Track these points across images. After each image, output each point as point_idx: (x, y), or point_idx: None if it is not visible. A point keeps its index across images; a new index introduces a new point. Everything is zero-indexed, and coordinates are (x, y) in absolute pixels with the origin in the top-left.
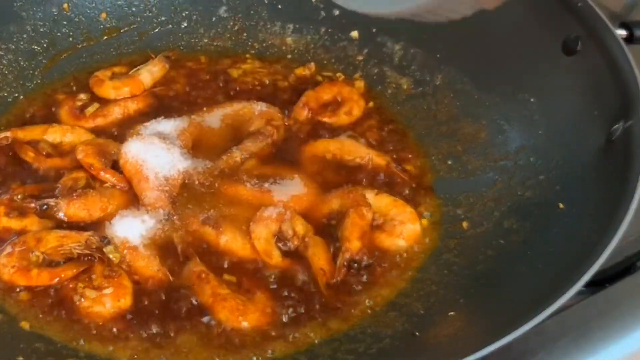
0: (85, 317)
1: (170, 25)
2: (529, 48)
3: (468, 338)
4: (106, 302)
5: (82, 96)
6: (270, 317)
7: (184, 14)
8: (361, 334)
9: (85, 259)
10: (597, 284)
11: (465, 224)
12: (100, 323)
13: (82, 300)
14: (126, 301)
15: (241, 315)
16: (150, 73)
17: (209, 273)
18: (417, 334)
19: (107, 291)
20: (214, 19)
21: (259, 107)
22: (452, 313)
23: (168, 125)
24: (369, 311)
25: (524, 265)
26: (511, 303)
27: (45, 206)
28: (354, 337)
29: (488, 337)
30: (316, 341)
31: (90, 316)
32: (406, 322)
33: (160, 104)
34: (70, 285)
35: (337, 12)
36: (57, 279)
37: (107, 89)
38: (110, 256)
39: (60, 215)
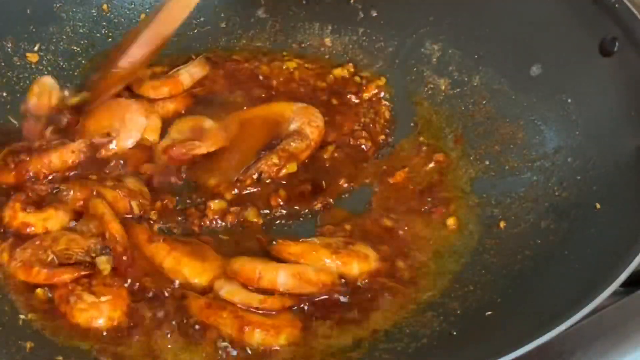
0: (78, 319)
1: (209, 26)
2: (566, 49)
3: (505, 338)
4: (102, 309)
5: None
6: (302, 329)
7: (222, 15)
8: (399, 333)
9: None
10: (634, 284)
11: (502, 224)
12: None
13: (78, 302)
14: (119, 313)
15: (277, 333)
16: (190, 74)
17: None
18: (454, 333)
19: (104, 299)
20: (252, 19)
21: (299, 106)
22: (489, 313)
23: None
24: (406, 311)
25: (561, 265)
26: (548, 303)
27: (56, 190)
28: (392, 337)
29: (525, 337)
30: (352, 341)
31: (83, 320)
32: (444, 321)
33: (199, 105)
34: (70, 287)
35: (375, 13)
36: (54, 280)
37: (147, 88)
38: (100, 267)
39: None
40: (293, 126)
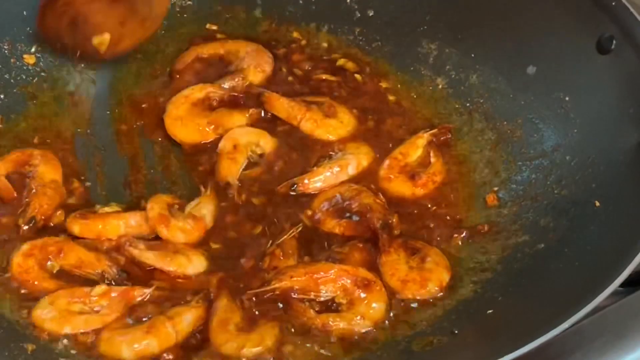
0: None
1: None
2: (563, 47)
3: (506, 337)
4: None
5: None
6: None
7: (218, 16)
8: (400, 333)
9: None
10: (634, 283)
11: None
12: None
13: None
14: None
15: None
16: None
17: None
18: (455, 332)
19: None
20: (248, 20)
21: (254, 47)
22: (490, 311)
23: None
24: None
25: (561, 264)
26: (548, 302)
27: None
28: (393, 337)
29: (525, 336)
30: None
31: None
32: (445, 320)
33: None
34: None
35: (371, 13)
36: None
37: (175, 231)
38: None
39: None
40: (240, 65)
